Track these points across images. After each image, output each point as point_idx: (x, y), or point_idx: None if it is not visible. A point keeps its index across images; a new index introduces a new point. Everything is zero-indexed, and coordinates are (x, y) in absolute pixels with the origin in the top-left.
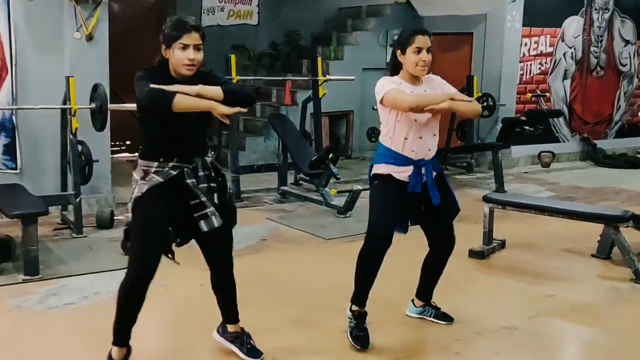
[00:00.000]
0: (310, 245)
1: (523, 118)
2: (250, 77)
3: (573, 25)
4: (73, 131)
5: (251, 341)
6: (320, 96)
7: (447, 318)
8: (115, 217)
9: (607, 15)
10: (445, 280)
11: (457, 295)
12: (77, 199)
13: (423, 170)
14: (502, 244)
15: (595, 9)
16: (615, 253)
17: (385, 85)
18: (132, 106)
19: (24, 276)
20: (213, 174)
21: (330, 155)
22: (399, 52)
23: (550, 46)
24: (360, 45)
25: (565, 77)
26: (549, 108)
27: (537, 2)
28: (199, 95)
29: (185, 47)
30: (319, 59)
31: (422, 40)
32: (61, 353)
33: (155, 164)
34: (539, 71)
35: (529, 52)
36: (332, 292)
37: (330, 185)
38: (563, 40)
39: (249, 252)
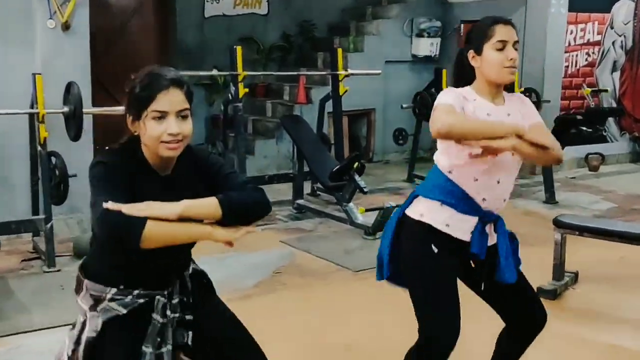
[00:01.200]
0: (336, 280)
1: (580, 117)
2: (260, 73)
3: (623, 10)
4: (41, 141)
5: None
6: (341, 94)
7: None
8: None
9: None
10: None
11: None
12: (48, 225)
13: (490, 229)
14: (575, 278)
15: None
16: None
17: (441, 100)
18: (118, 109)
19: None
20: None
21: (356, 165)
22: (471, 53)
23: (598, 34)
24: (383, 35)
25: (614, 69)
26: (597, 104)
27: None
28: (183, 218)
29: (162, 115)
30: (339, 50)
31: (506, 32)
32: None
33: (113, 290)
34: (586, 62)
35: (574, 41)
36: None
37: (356, 200)
38: (612, 28)
39: (261, 292)
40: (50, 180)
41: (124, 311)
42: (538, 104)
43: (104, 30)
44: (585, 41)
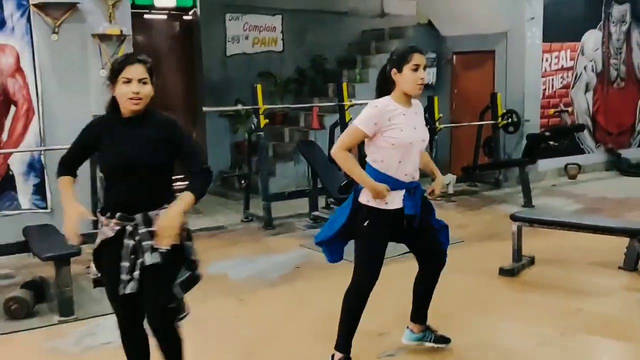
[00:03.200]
0: (344, 271)
1: (547, 134)
2: (278, 106)
3: (592, 38)
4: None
5: None
6: (347, 121)
7: (445, 340)
8: None
9: (624, 28)
10: (475, 300)
11: (489, 314)
12: None
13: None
14: (532, 261)
15: (613, 22)
16: None
17: (366, 118)
18: None
19: (59, 317)
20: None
21: None
22: (394, 70)
23: (570, 60)
24: None
25: (587, 90)
26: (573, 122)
27: (555, 18)
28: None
29: (128, 80)
30: (344, 83)
31: (419, 58)
32: None
33: (102, 218)
34: (561, 85)
35: (550, 67)
36: (364, 318)
37: None
38: (583, 54)
39: (285, 282)
40: None
41: (110, 235)
42: (518, 123)
43: None
44: (560, 67)
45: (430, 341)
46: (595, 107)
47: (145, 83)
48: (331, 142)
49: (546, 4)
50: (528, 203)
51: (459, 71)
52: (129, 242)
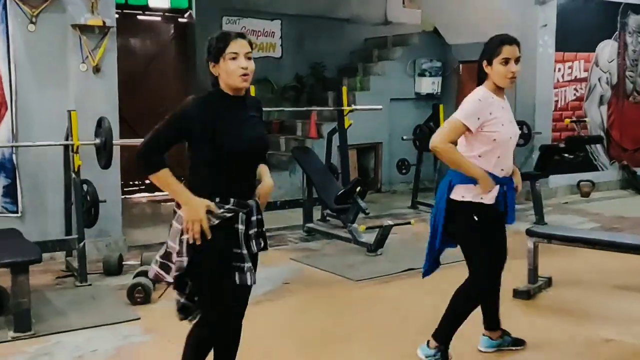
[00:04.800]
0: (338, 289)
1: (562, 145)
2: (273, 109)
3: (607, 49)
4: (75, 169)
5: None
6: (346, 127)
7: (521, 342)
8: (124, 263)
9: None
10: None
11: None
12: (81, 244)
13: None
14: (549, 282)
15: (629, 33)
16: None
17: (469, 112)
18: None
19: (13, 333)
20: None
21: (358, 189)
22: (484, 62)
23: (584, 71)
24: (387, 75)
25: (601, 103)
26: (586, 134)
27: (569, 26)
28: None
29: (235, 56)
30: (344, 88)
31: (510, 51)
32: None
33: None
34: (574, 97)
35: (563, 78)
36: (360, 341)
37: (359, 221)
38: (597, 65)
39: (270, 298)
40: (82, 205)
41: (215, 222)
42: (529, 135)
43: (129, 73)
44: (573, 78)
45: (508, 345)
46: (609, 122)
47: (249, 58)
48: (329, 150)
49: (559, 12)
50: (540, 220)
51: (465, 80)
52: (242, 229)
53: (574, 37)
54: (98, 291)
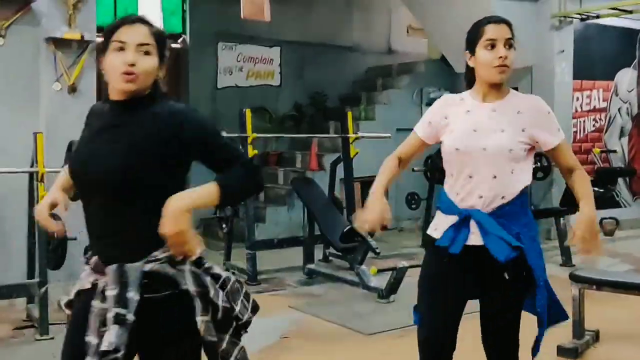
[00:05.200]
0: (347, 344)
1: (591, 178)
2: (270, 135)
3: (626, 78)
4: (39, 201)
5: None
6: (352, 156)
7: None
8: None
9: None
10: None
11: None
12: (42, 289)
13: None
14: (596, 336)
15: None
16: None
17: (423, 117)
18: None
19: None
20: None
21: None
22: (468, 54)
23: (603, 101)
24: (393, 104)
25: (622, 135)
26: (619, 166)
27: (586, 54)
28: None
29: (122, 46)
30: (349, 113)
31: (496, 30)
32: None
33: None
34: (594, 128)
35: (581, 108)
36: None
37: (368, 262)
38: (617, 95)
39: (265, 357)
40: (48, 244)
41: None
42: (549, 168)
43: None
44: (592, 107)
45: None
46: (630, 155)
47: (147, 53)
48: (332, 182)
49: (575, 38)
50: (567, 262)
51: None
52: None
53: (591, 65)
54: (60, 347)
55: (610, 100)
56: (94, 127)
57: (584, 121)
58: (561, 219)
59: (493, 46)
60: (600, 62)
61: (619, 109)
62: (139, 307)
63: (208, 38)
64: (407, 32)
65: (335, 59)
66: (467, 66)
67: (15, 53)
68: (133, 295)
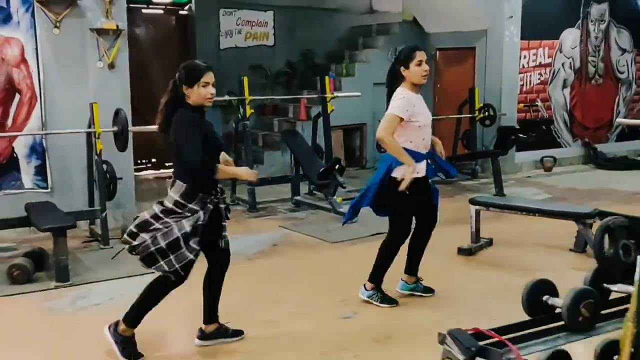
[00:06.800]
0: (318, 249)
1: (517, 127)
2: (264, 97)
3: (570, 37)
4: (98, 152)
5: (229, 325)
6: (329, 112)
7: (430, 290)
8: None
9: (603, 26)
10: (434, 274)
11: (446, 287)
12: (103, 214)
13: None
14: (490, 242)
15: (592, 21)
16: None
17: (400, 107)
18: (153, 128)
19: (56, 283)
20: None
21: (337, 167)
22: (402, 68)
23: (548, 57)
24: (371, 62)
25: (564, 86)
26: (540, 117)
27: (534, 17)
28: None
29: (207, 84)
30: (327, 77)
31: (422, 55)
32: (88, 345)
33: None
34: (539, 81)
35: (528, 64)
36: (329, 287)
37: (338, 194)
38: (561, 52)
39: (260, 257)
40: (103, 181)
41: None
42: (495, 117)
43: (136, 64)
44: (538, 63)
45: (419, 291)
46: (572, 103)
47: (214, 85)
48: (315, 132)
49: (525, 3)
50: (499, 192)
51: (441, 67)
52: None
53: (539, 26)
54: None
55: (555, 56)
56: (206, 124)
57: (530, 75)
58: (497, 159)
59: (420, 64)
60: (547, 23)
61: (562, 64)
62: None
63: (210, 5)
64: None
65: (323, 20)
66: (395, 75)
67: (68, 40)
68: None
